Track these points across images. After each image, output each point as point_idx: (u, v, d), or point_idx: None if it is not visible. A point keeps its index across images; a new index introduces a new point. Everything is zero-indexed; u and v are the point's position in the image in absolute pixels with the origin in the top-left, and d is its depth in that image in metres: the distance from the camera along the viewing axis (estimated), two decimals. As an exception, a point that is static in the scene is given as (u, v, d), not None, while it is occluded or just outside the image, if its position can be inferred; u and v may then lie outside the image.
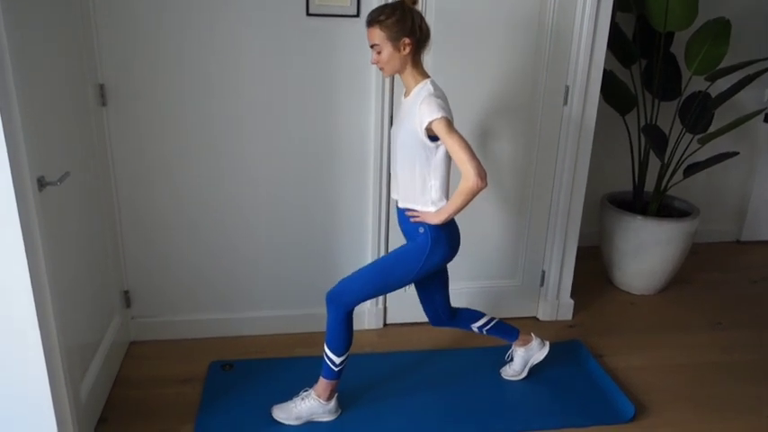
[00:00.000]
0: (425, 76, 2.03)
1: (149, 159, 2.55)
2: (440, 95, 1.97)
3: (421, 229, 2.08)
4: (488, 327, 2.44)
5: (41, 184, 1.78)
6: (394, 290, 2.20)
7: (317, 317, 2.84)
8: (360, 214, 2.78)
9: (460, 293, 2.98)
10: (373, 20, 1.94)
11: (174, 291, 2.77)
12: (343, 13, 2.47)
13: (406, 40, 1.93)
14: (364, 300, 2.16)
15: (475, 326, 2.43)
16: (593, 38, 2.65)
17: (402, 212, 2.14)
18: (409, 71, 2.00)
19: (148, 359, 2.67)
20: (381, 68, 2.00)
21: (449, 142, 1.90)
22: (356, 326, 2.89)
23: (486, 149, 2.79)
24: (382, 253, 2.81)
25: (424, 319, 2.44)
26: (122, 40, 2.37)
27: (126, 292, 2.72)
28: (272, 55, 2.49)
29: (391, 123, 2.62)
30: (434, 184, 2.02)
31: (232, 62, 2.47)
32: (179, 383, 2.52)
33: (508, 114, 2.75)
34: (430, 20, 2.51)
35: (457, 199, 1.96)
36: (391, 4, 1.97)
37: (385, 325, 3.01)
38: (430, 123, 1.90)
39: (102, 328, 2.42)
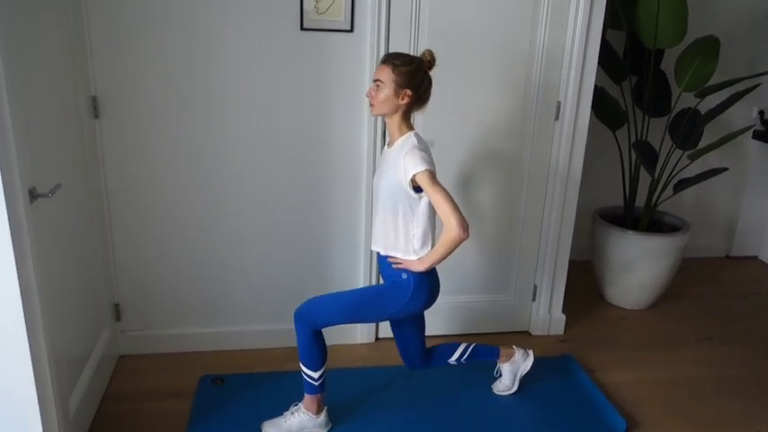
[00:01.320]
0: (411, 128, 2.06)
1: (141, 172, 2.55)
2: (423, 148, 2.00)
3: (404, 275, 2.08)
4: (465, 356, 2.44)
5: (33, 195, 1.77)
6: (366, 322, 2.21)
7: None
8: (352, 228, 2.78)
9: (450, 307, 2.98)
10: (389, 60, 1.98)
11: (165, 304, 2.76)
12: (338, 28, 2.49)
13: (408, 92, 1.97)
14: (334, 324, 2.17)
15: (452, 360, 2.43)
16: (585, 54, 2.68)
17: (383, 259, 2.14)
18: (396, 120, 2.03)
19: (138, 373, 2.65)
20: (372, 105, 2.02)
21: (432, 195, 1.92)
22: (347, 339, 2.92)
23: (477, 165, 2.80)
24: (374, 267, 2.81)
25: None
26: (115, 53, 2.38)
27: (116, 305, 2.71)
28: (265, 69, 2.50)
29: (384, 137, 2.63)
30: (417, 233, 2.04)
31: (225, 76, 2.48)
32: (169, 397, 2.50)
33: (499, 130, 2.77)
34: (424, 39, 2.55)
35: (440, 249, 1.98)
36: (412, 56, 2.02)
37: (377, 339, 3.00)
38: (414, 175, 1.93)
39: (91, 341, 2.41)
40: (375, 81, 1.99)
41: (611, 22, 3.23)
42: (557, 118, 2.78)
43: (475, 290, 3.01)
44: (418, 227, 2.04)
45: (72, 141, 2.21)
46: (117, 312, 2.71)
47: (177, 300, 2.76)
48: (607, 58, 3.25)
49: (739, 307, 3.54)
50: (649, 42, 3.07)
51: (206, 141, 2.55)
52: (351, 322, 2.23)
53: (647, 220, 3.39)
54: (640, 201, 3.50)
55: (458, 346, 2.44)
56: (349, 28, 2.50)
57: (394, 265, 2.10)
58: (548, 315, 3.09)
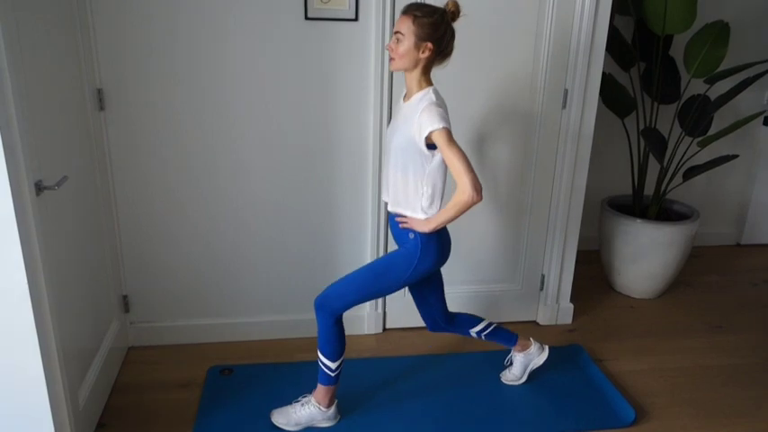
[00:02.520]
0: (430, 83, 2.00)
1: (147, 163, 2.55)
2: (441, 104, 1.94)
3: (411, 235, 2.05)
4: (487, 332, 2.43)
5: (39, 188, 1.78)
6: (384, 295, 2.18)
7: (316, 321, 2.83)
8: (359, 217, 2.77)
9: (458, 297, 2.98)
10: (410, 11, 1.91)
11: (173, 295, 2.76)
12: (342, 17, 2.47)
13: (429, 45, 1.91)
14: (353, 305, 2.14)
15: (473, 331, 2.42)
16: (592, 41, 2.65)
17: (393, 217, 2.12)
18: (416, 75, 1.97)
19: (147, 364, 2.66)
20: (392, 58, 1.95)
21: (447, 153, 1.88)
22: (355, 330, 2.92)
23: (483, 153, 2.78)
24: (380, 253, 2.81)
25: (424, 324, 2.43)
26: (120, 45, 2.37)
27: (125, 297, 2.71)
28: (269, 59, 2.49)
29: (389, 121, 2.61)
30: (426, 191, 2.00)
31: (230, 66, 2.47)
32: (178, 389, 2.51)
33: (507, 118, 2.74)
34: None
35: (450, 210, 1.94)
36: (435, 7, 1.93)
37: (384, 330, 3.00)
38: (430, 133, 1.88)
39: (100, 333, 2.42)
40: (395, 33, 1.92)
41: (619, 7, 3.19)
42: (564, 106, 2.76)
43: (482, 279, 3.00)
44: (428, 185, 1.99)
45: (78, 134, 2.21)
46: (125, 304, 2.72)
47: (185, 291, 2.76)
48: (615, 45, 3.22)
49: (750, 295, 3.52)
50: (658, 28, 3.03)
51: (212, 132, 2.55)
52: (370, 298, 2.18)
53: (657, 209, 3.36)
54: (649, 189, 3.47)
55: (482, 319, 2.44)
56: (353, 17, 2.48)
57: (400, 224, 2.07)
58: (556, 305, 3.08)
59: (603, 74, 2.83)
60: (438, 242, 2.08)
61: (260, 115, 2.56)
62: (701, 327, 3.15)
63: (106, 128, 2.47)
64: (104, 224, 2.49)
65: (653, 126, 3.27)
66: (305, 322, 2.87)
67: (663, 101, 3.34)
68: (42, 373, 1.78)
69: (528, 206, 2.91)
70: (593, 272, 3.64)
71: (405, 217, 2.06)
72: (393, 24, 2.50)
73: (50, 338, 1.83)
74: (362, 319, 2.93)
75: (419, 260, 2.06)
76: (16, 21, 1.68)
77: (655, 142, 3.09)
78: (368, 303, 2.90)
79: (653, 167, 3.50)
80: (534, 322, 3.13)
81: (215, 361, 2.69)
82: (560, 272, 3.03)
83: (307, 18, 2.45)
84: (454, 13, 1.96)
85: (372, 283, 2.11)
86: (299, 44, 2.48)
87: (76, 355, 2.10)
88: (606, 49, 2.69)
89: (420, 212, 2.03)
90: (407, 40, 1.90)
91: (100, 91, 2.41)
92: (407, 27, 1.90)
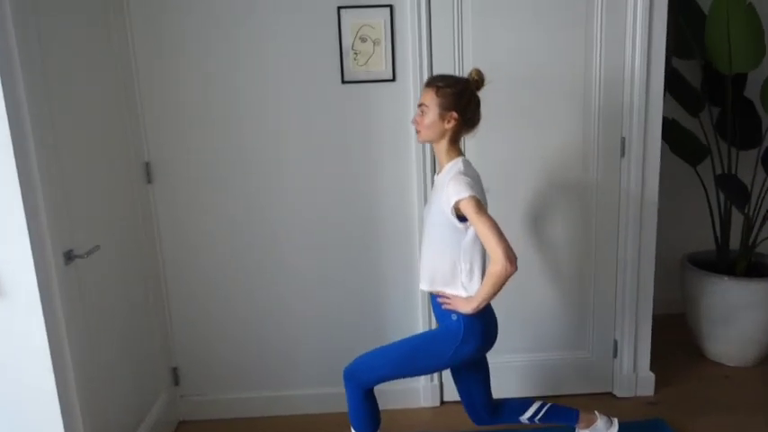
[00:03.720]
0: (459, 154, 1.94)
1: (196, 234, 2.57)
2: (470, 174, 1.88)
3: (454, 316, 1.92)
4: (540, 415, 2.19)
5: (69, 257, 1.80)
6: (421, 375, 2.02)
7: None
8: (408, 287, 2.65)
9: (517, 367, 2.75)
10: (433, 82, 1.90)
11: (225, 368, 2.72)
12: (379, 78, 2.45)
13: (454, 115, 1.87)
14: (385, 380, 2.01)
15: (524, 417, 2.19)
16: (647, 85, 2.48)
17: (435, 297, 2.00)
18: (444, 146, 1.92)
19: (195, 439, 2.60)
20: (418, 131, 1.93)
21: (477, 224, 1.78)
22: (409, 403, 2.75)
23: (537, 213, 2.62)
24: (432, 317, 2.65)
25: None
26: (169, 120, 2.46)
27: (174, 369, 2.69)
28: (309, 124, 2.50)
29: (432, 182, 2.52)
30: (464, 268, 1.89)
31: (273, 135, 2.50)
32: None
33: (560, 176, 2.58)
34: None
35: (487, 284, 1.82)
36: (458, 77, 1.94)
37: (442, 403, 2.79)
38: (457, 202, 1.80)
39: (146, 406, 2.39)
40: (419, 106, 1.91)
41: (681, 51, 3.00)
42: (623, 155, 2.57)
43: (545, 346, 2.75)
44: (465, 261, 1.89)
45: (120, 204, 2.27)
46: (175, 376, 2.70)
47: (236, 363, 2.71)
48: (679, 89, 3.01)
49: None
50: (724, 67, 2.80)
51: (257, 199, 2.55)
52: (402, 376, 2.05)
53: (745, 263, 3.01)
54: (735, 242, 3.13)
55: (531, 402, 2.21)
56: (391, 77, 2.46)
57: (443, 305, 1.94)
58: (633, 374, 2.76)
59: (667, 119, 2.63)
60: (483, 325, 1.94)
61: (302, 176, 2.54)
62: (812, 399, 2.72)
63: (154, 200, 2.53)
64: (152, 294, 2.51)
65: (732, 172, 2.98)
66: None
67: (742, 146, 3.05)
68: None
69: (592, 265, 2.68)
70: (678, 337, 3.28)
71: (446, 296, 1.94)
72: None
73: (77, 418, 1.80)
74: (417, 391, 2.75)
75: (462, 341, 1.92)
76: (62, 90, 1.76)
77: (733, 190, 2.80)
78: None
79: (737, 218, 3.16)
80: (610, 393, 2.82)
81: (262, 436, 2.59)
82: (635, 337, 2.73)
83: (343, 82, 2.45)
84: (478, 82, 1.92)
85: (409, 359, 1.98)
86: (337, 106, 2.48)
87: (118, 429, 2.06)
88: (671, 95, 2.50)
89: (461, 289, 1.92)
90: (432, 112, 1.87)
91: (147, 164, 2.49)
92: (431, 98, 1.87)
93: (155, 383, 2.51)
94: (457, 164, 1.90)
